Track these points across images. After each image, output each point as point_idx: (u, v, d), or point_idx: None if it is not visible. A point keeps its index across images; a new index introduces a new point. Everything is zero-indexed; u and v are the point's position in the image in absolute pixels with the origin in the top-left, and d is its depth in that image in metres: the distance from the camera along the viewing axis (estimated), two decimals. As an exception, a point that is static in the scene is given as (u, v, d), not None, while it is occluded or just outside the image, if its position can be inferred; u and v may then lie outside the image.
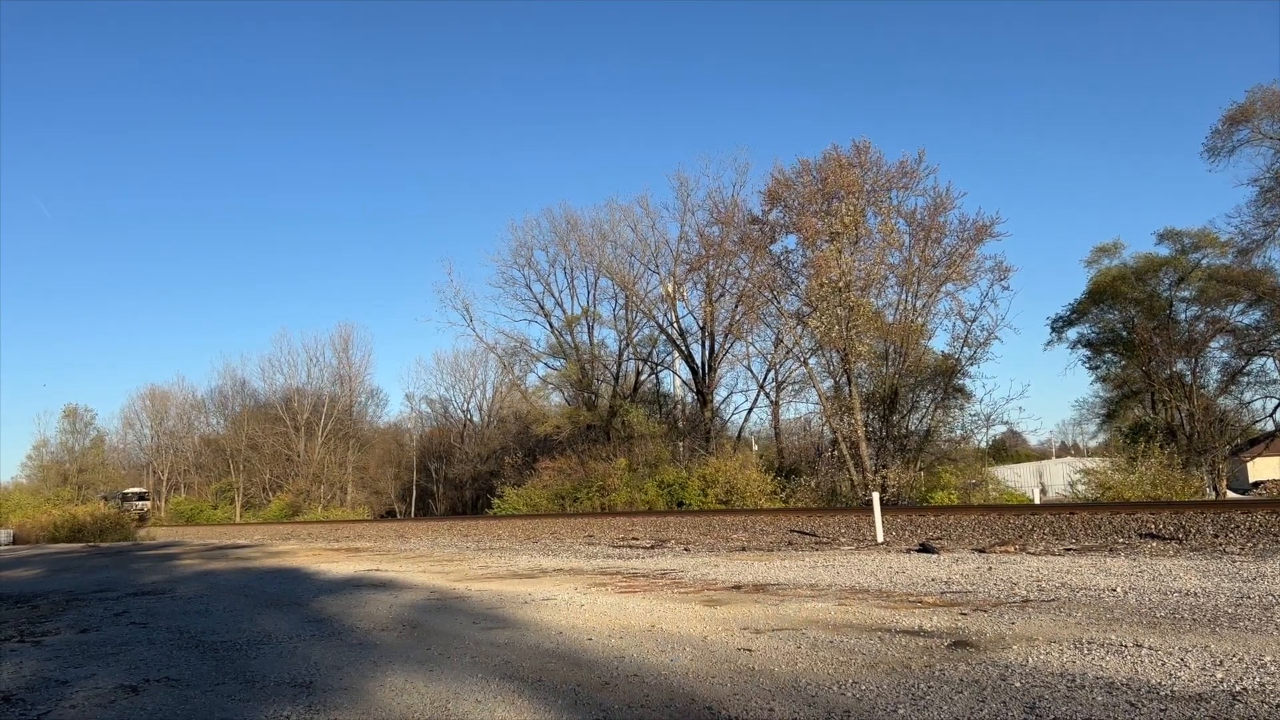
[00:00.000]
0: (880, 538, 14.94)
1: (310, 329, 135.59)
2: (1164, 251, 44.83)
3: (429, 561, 14.92)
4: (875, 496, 16.44)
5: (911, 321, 34.49)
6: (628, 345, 49.32)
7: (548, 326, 51.62)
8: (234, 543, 27.03)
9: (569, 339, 50.78)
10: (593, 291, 50.18)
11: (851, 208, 33.62)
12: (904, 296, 35.25)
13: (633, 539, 18.32)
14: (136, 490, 71.15)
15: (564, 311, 51.01)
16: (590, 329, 50.90)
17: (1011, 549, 12.18)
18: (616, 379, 49.35)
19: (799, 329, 36.50)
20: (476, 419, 67.90)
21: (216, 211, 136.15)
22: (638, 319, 47.78)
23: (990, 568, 9.84)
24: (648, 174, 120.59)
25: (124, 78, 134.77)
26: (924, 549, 12.76)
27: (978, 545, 12.95)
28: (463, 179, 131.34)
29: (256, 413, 78.80)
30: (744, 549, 14.91)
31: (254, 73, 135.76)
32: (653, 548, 16.05)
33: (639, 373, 49.32)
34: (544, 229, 50.42)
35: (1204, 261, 43.06)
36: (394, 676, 5.34)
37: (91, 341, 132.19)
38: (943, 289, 34.97)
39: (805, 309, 34.95)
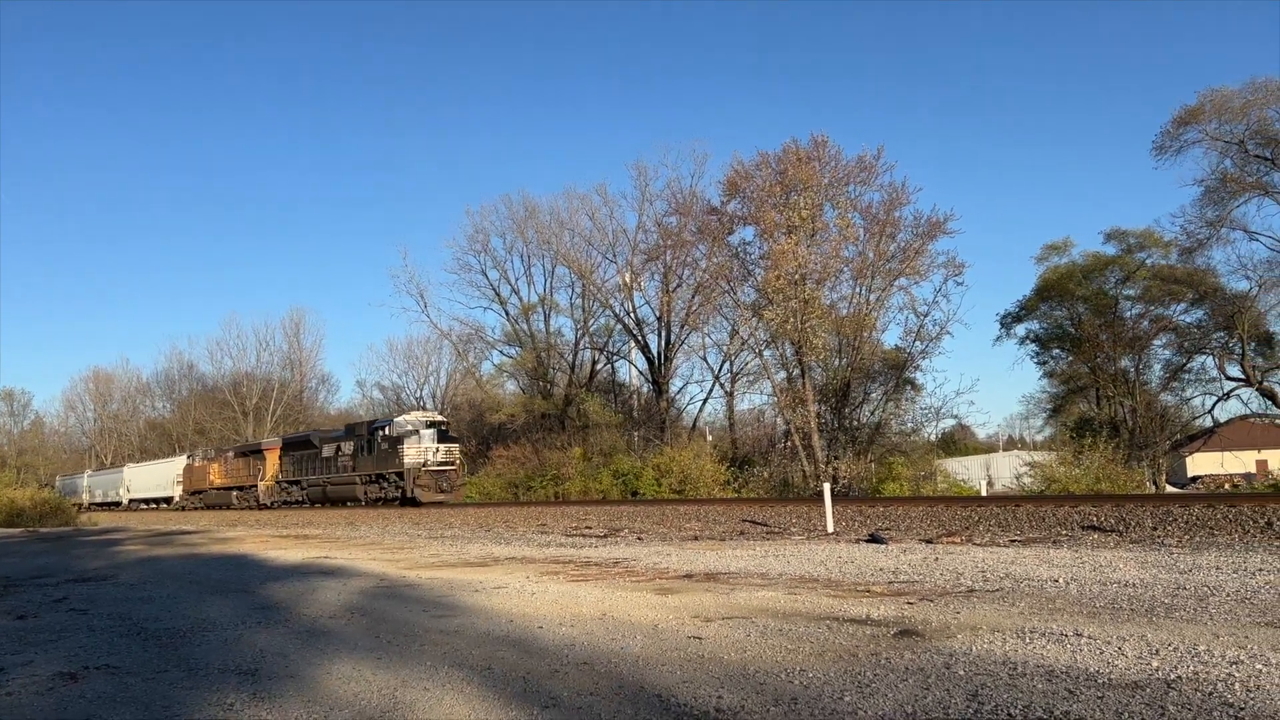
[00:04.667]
0: (831, 528, 15.11)
1: (261, 313, 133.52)
2: (1111, 250, 45.85)
3: (379, 549, 14.80)
4: (826, 487, 16.63)
5: (865, 315, 34.86)
6: (584, 334, 49.28)
7: (504, 314, 51.38)
8: (180, 529, 26.56)
9: (525, 327, 50.59)
10: (550, 279, 50.03)
11: (809, 201, 33.86)
12: (858, 290, 35.65)
13: (586, 528, 18.33)
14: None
15: (520, 299, 50.80)
16: (547, 317, 50.77)
17: (958, 540, 12.39)
18: (573, 368, 49.28)
19: (754, 321, 36.72)
20: (430, 407, 67.36)
21: (164, 192, 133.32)
22: (595, 308, 47.76)
23: (937, 558, 9.99)
24: (606, 163, 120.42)
25: (67, 56, 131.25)
26: (873, 539, 12.93)
27: (925, 536, 13.15)
28: (419, 164, 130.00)
29: (204, 397, 77.45)
30: (697, 538, 14.99)
31: (205, 52, 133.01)
32: (606, 537, 16.07)
33: (595, 362, 49.30)
34: (501, 215, 50.14)
35: (1149, 260, 44.11)
36: (341, 664, 5.29)
37: (29, 323, 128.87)
38: (896, 283, 35.43)
39: (761, 301, 35.16)
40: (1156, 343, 43.69)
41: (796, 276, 32.84)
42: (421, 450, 33.91)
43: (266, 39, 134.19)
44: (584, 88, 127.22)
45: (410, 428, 34.78)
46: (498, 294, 50.63)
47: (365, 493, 35.73)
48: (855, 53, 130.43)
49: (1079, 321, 45.71)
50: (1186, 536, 11.54)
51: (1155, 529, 12.30)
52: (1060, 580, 7.72)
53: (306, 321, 79.58)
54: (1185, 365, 42.92)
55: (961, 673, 4.47)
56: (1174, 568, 8.39)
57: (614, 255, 45.48)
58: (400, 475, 33.81)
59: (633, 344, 45.59)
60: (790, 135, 53.19)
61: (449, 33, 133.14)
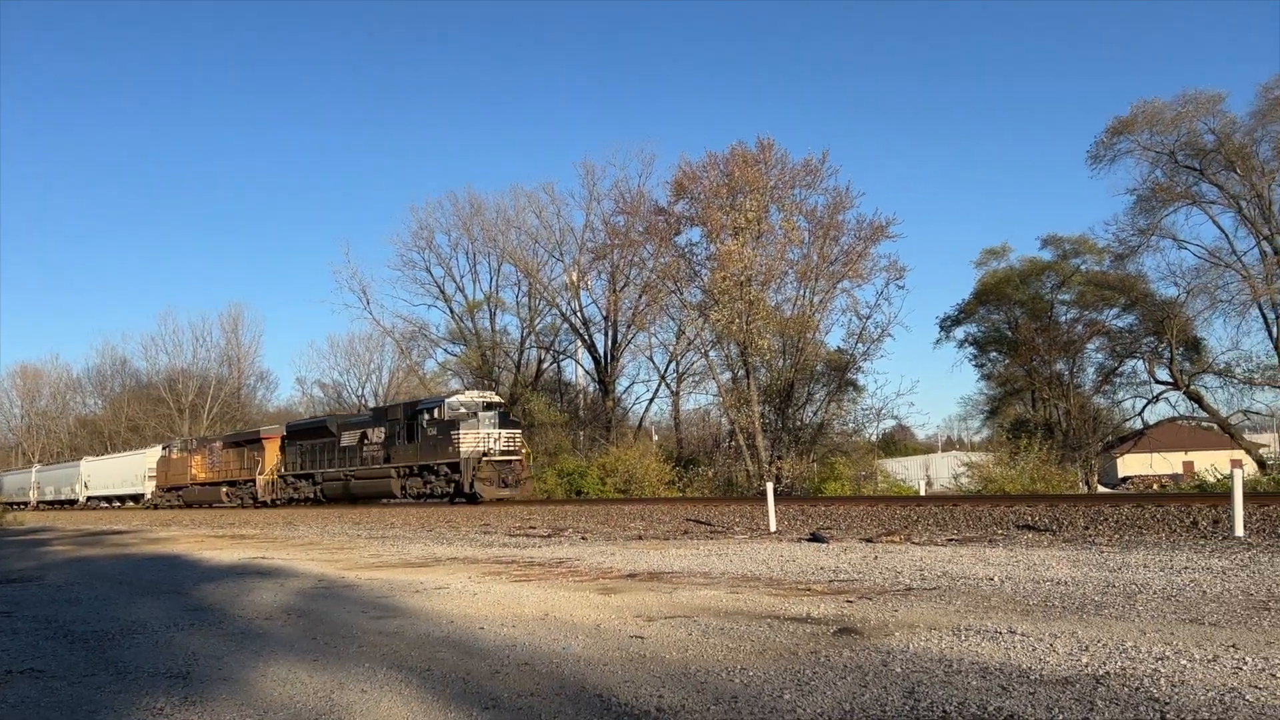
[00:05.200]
0: (773, 527, 15.23)
1: (198, 308, 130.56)
2: (1047, 256, 46.95)
3: (318, 549, 14.56)
4: (769, 487, 16.74)
5: (809, 317, 35.24)
6: (530, 333, 49.05)
7: (448, 312, 50.93)
8: (111, 528, 25.84)
9: (470, 325, 50.22)
10: (495, 277, 49.70)
11: (755, 203, 34.13)
12: (802, 292, 36.03)
13: (530, 528, 18.25)
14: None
15: (465, 297, 50.41)
16: (492, 315, 50.45)
17: (897, 539, 12.57)
18: (518, 367, 49.02)
19: (701, 321, 36.91)
20: (372, 405, 66.49)
21: (96, 184, 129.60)
22: (541, 306, 47.56)
23: (877, 557, 10.13)
24: (554, 162, 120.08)
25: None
26: (814, 538, 13.06)
27: (865, 535, 13.32)
28: (363, 160, 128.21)
29: (138, 393, 75.53)
30: (641, 538, 15.01)
31: (142, 40, 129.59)
32: (550, 536, 16.01)
33: (541, 361, 49.10)
34: (446, 212, 49.68)
35: (1083, 266, 45.25)
36: (277, 666, 5.18)
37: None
38: (839, 286, 35.89)
39: (708, 302, 35.34)
40: (1090, 347, 44.86)
41: (742, 278, 33.07)
42: (481, 437, 28.05)
43: (206, 28, 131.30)
44: (532, 86, 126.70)
45: (466, 409, 28.86)
46: (442, 291, 50.19)
47: (404, 488, 30.13)
48: (801, 59, 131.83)
49: (1016, 325, 46.73)
50: (1116, 535, 11.85)
51: (1087, 528, 12.61)
52: (996, 579, 7.87)
53: (245, 317, 78.13)
54: (1117, 369, 44.12)
55: (899, 670, 4.54)
56: (1104, 566, 8.61)
57: (561, 254, 45.39)
58: (454, 467, 28.00)
59: (579, 343, 45.54)
60: (737, 138, 53.59)
61: (395, 27, 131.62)
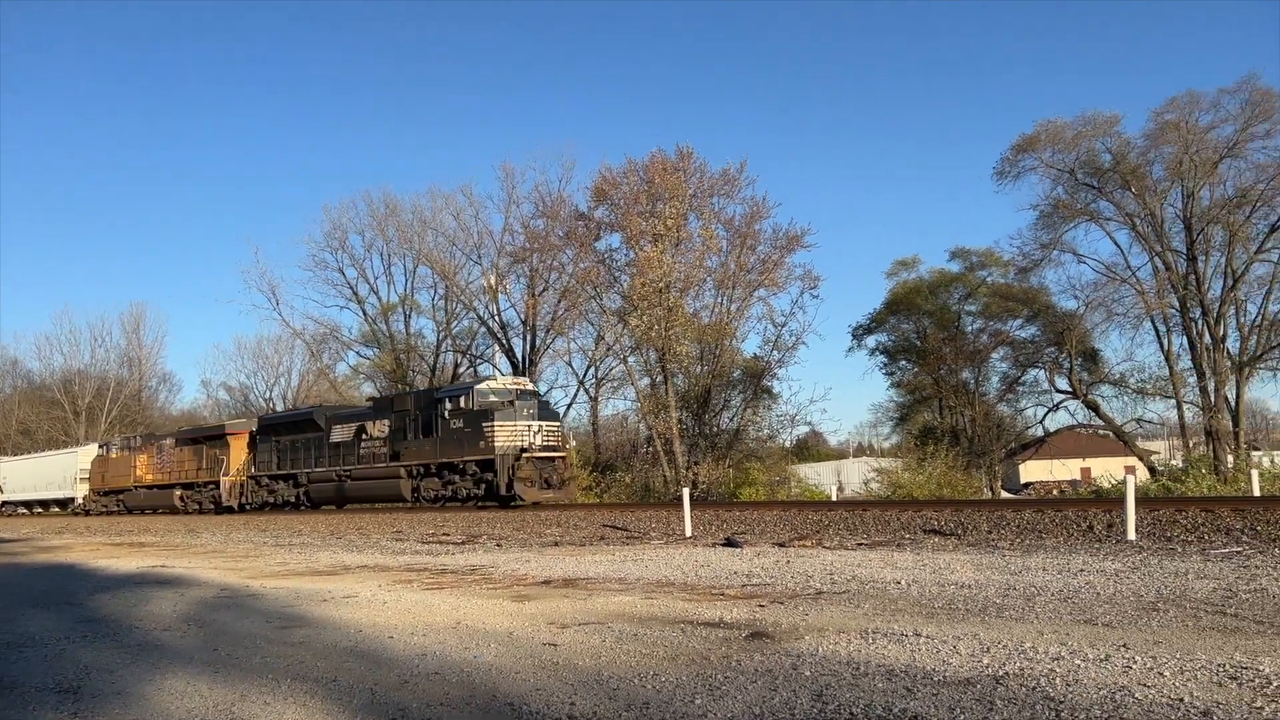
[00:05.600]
0: (689, 532, 15.32)
1: (97, 308, 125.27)
2: (955, 268, 48.40)
3: (222, 558, 14.10)
4: (685, 492, 16.87)
5: (726, 324, 35.64)
6: (446, 336, 48.46)
7: (361, 314, 49.99)
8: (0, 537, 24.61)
9: (384, 328, 49.38)
10: (411, 280, 48.99)
11: (675, 211, 34.39)
12: (720, 300, 36.42)
13: (444, 534, 17.99)
14: None
15: (380, 299, 49.56)
16: (407, 318, 49.70)
17: (809, 543, 12.78)
18: (433, 370, 48.35)
19: (620, 327, 36.98)
20: (280, 408, 64.82)
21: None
22: (458, 310, 47.03)
23: (789, 561, 10.28)
24: (473, 164, 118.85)
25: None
26: (729, 543, 13.19)
27: (779, 540, 13.51)
28: (274, 158, 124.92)
29: (30, 395, 72.19)
30: (557, 544, 14.94)
31: (40, 33, 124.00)
32: (464, 543, 15.82)
33: (458, 365, 48.52)
34: (361, 212, 48.77)
35: (989, 279, 46.78)
36: (174, 679, 5.00)
37: None
38: (756, 294, 36.39)
39: (627, 307, 35.45)
40: (994, 356, 46.41)
41: (661, 284, 33.27)
42: (520, 430, 23.80)
43: (108, 22, 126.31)
44: (450, 87, 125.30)
45: (500, 397, 24.70)
46: (355, 293, 49.25)
47: (417, 490, 25.81)
48: (721, 70, 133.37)
49: (925, 334, 48.06)
50: (1018, 539, 12.25)
51: (990, 532, 13.01)
52: (902, 582, 8.06)
53: (147, 317, 75.33)
54: (1020, 378, 45.70)
55: (808, 673, 4.60)
56: (1006, 569, 8.89)
57: (479, 257, 44.93)
58: (485, 465, 23.82)
59: (497, 347, 45.12)
60: (658, 145, 53.90)
61: (308, 21, 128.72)
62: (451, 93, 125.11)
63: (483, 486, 24.00)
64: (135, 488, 38.55)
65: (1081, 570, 8.55)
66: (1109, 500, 16.50)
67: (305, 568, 11.74)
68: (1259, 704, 3.77)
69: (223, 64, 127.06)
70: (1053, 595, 6.98)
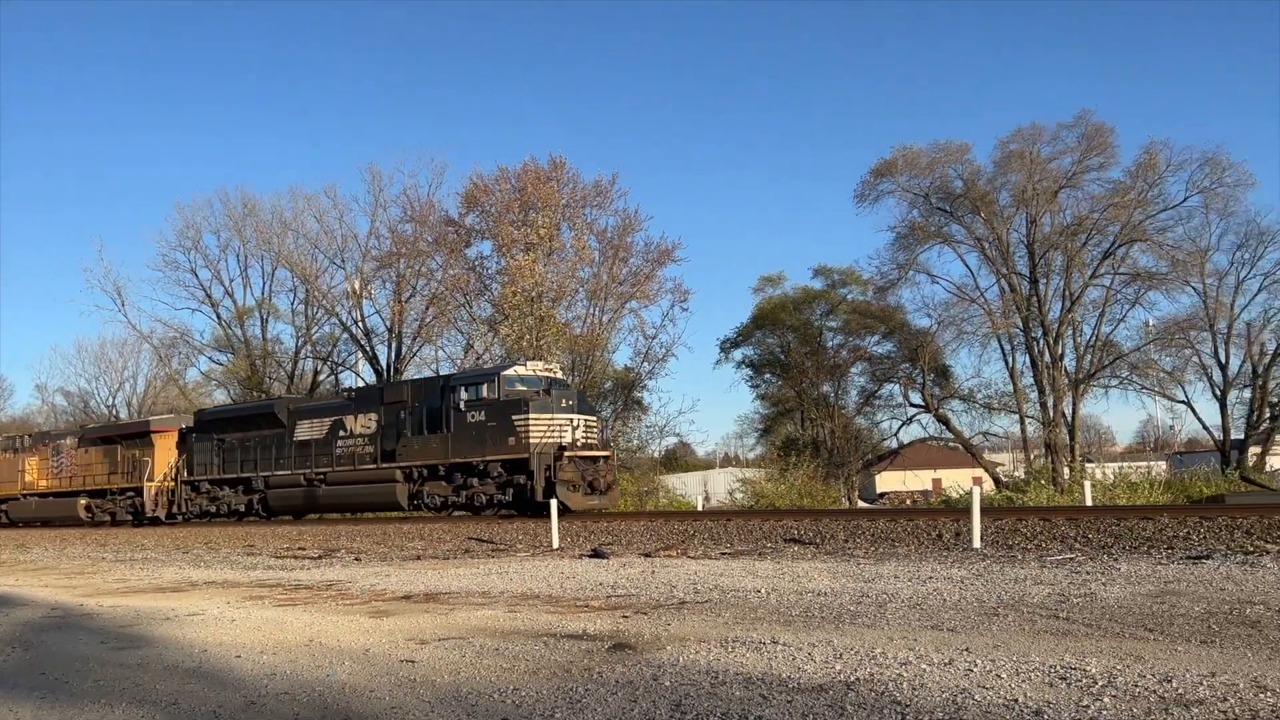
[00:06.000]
0: (556, 544, 15.26)
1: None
2: (818, 285, 49.98)
3: (54, 574, 13.18)
4: (553, 503, 16.78)
5: (598, 335, 35.77)
6: (306, 342, 46.78)
7: (215, 317, 47.77)
8: None
9: (239, 332, 47.33)
10: (269, 283, 47.12)
11: (548, 220, 34.32)
12: (592, 310, 36.53)
13: (300, 549, 17.34)
14: None
15: (235, 302, 47.47)
16: (264, 323, 47.77)
17: (675, 553, 12.92)
18: (291, 378, 46.59)
19: (490, 335, 36.58)
20: (124, 415, 61.22)
21: None
22: (319, 315, 45.47)
23: (654, 571, 10.36)
24: (337, 165, 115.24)
25: None
26: (595, 554, 13.20)
27: (645, 550, 13.60)
28: (123, 149, 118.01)
29: None
30: (419, 558, 14.61)
31: None
32: (321, 558, 15.28)
33: (318, 372, 46.90)
34: (217, 211, 46.54)
35: (850, 296, 48.50)
36: (-8, 709, 4.63)
37: None
38: (628, 306, 36.67)
39: (498, 316, 35.12)
40: (854, 371, 48.12)
41: (533, 294, 33.11)
42: (556, 424, 20.10)
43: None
44: (315, 84, 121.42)
45: (527, 386, 21.04)
46: (209, 295, 47.02)
47: (419, 496, 21.83)
48: (594, 84, 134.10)
49: (788, 349, 49.42)
50: (873, 548, 12.72)
51: (847, 541, 13.46)
52: (763, 591, 8.24)
53: (-24, 316, 69.86)
54: (876, 392, 47.53)
55: (668, 684, 4.64)
56: (860, 577, 9.21)
57: (343, 261, 43.56)
58: (515, 466, 20.11)
59: (360, 354, 43.86)
60: (529, 154, 53.72)
61: (162, 16, 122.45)
62: (315, 89, 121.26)
63: (509, 491, 20.31)
64: (24, 496, 32.46)
65: (930, 578, 8.93)
66: (957, 510, 17.31)
67: (148, 584, 11.10)
68: (1085, 703, 4.02)
69: (70, 46, 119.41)
70: (903, 602, 7.26)
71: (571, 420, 20.29)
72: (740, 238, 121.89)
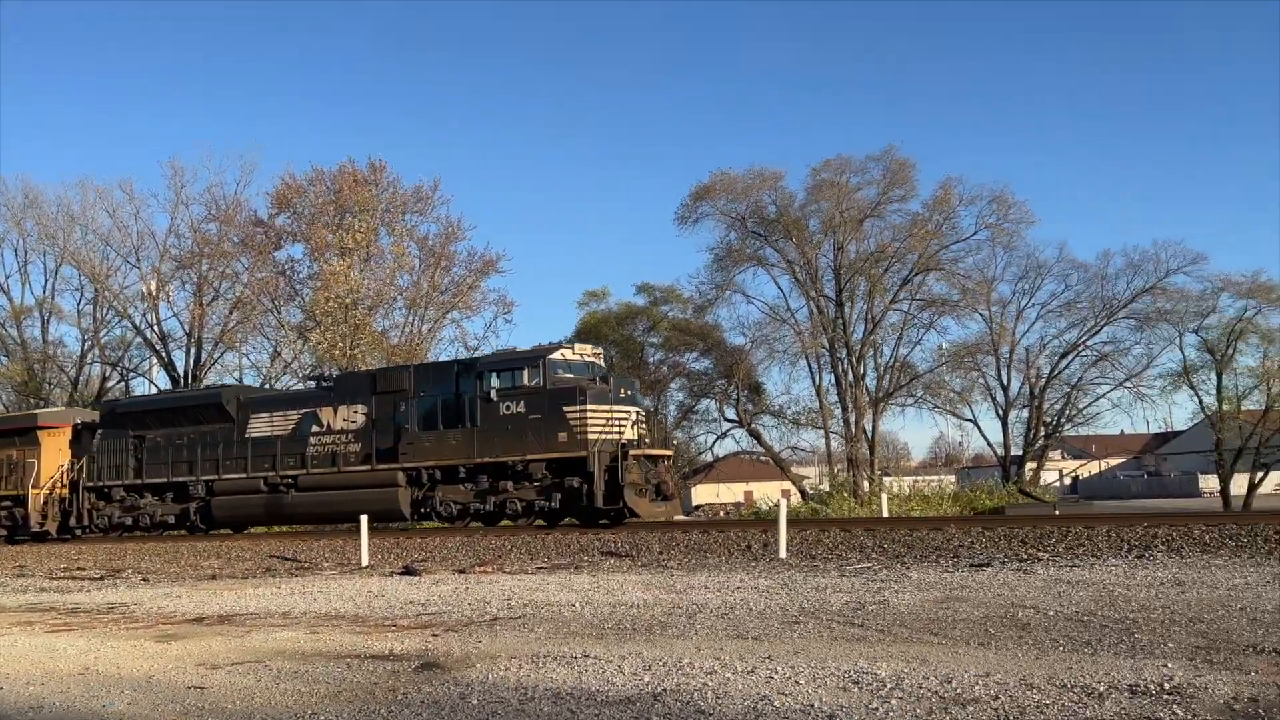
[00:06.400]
0: (365, 561, 14.73)
1: None
2: (641, 301, 50.85)
3: None
4: (364, 519, 16.15)
5: (417, 344, 34.90)
6: (94, 346, 43.20)
7: (-13, 317, 43.37)
8: None
9: (14, 333, 43.16)
10: (53, 281, 43.24)
11: (365, 225, 33.23)
12: (411, 319, 35.63)
13: (79, 569, 15.96)
14: None
15: (11, 301, 43.32)
16: (45, 323, 43.81)
17: (490, 569, 12.75)
18: (75, 384, 42.86)
19: (300, 343, 35.00)
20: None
21: None
22: (109, 317, 42.07)
23: (468, 588, 10.18)
24: (137, 159, 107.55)
25: None
26: (407, 571, 12.83)
27: (460, 566, 13.35)
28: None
29: None
30: (215, 577, 13.75)
31: None
32: (103, 579, 14.12)
33: (106, 378, 43.39)
34: (-8, 200, 42.32)
35: (670, 314, 49.59)
36: None
37: None
38: (449, 316, 36.00)
39: (309, 322, 33.65)
40: (673, 386, 49.18)
41: (348, 300, 31.93)
42: (615, 418, 17.36)
43: None
44: (110, 74, 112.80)
45: (575, 373, 18.18)
46: (-18, 292, 42.71)
47: (428, 502, 18.68)
48: (415, 91, 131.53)
49: (611, 363, 49.97)
50: (685, 559, 13.00)
51: (661, 553, 13.70)
52: (577, 605, 8.25)
53: None
54: (694, 407, 48.78)
55: (475, 703, 4.56)
56: (673, 588, 9.39)
57: (138, 260, 40.51)
58: (569, 465, 17.25)
59: (155, 360, 40.90)
60: (347, 155, 51.97)
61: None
62: (113, 79, 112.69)
63: (556, 497, 17.41)
64: None
65: (739, 588, 9.21)
66: (766, 521, 17.97)
67: (-109, 613, 9.90)
68: (874, 705, 4.24)
69: None
70: (712, 612, 7.45)
71: (629, 414, 17.71)
72: (566, 253, 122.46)
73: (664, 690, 4.64)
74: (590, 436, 16.88)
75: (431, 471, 18.50)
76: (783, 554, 12.50)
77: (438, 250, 35.45)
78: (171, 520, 21.87)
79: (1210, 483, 48.93)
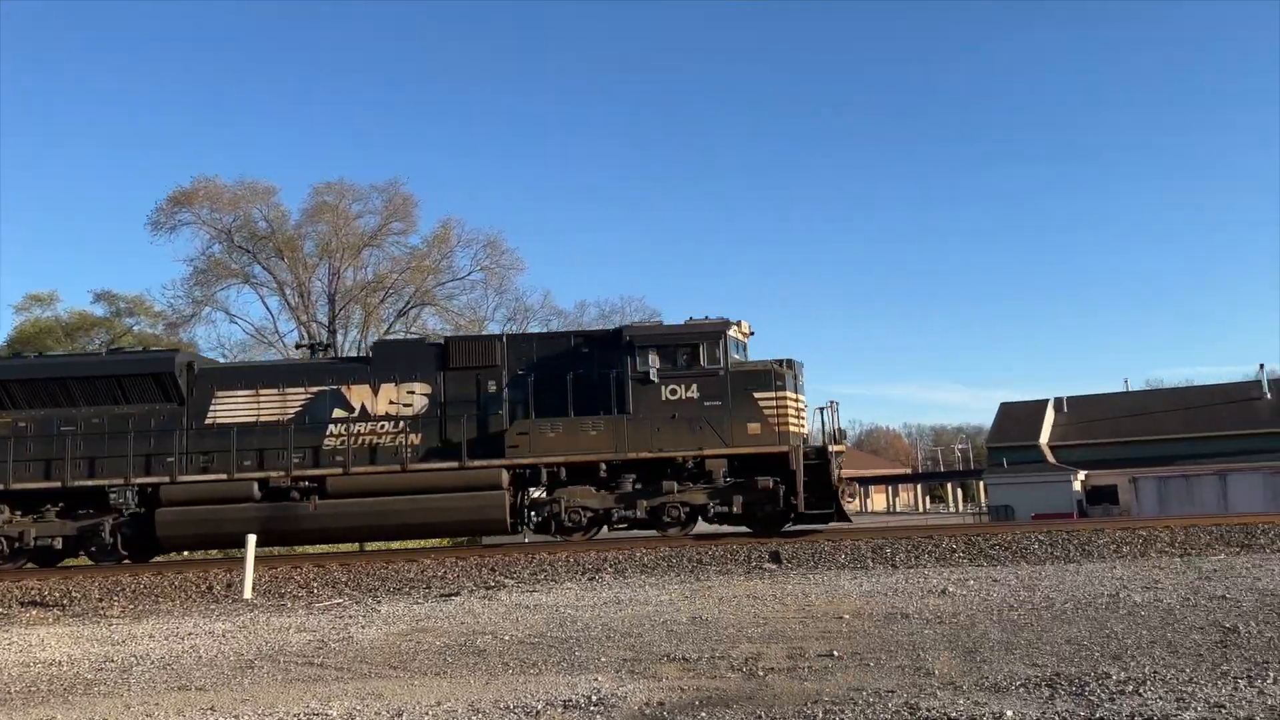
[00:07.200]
0: None
1: None
2: (100, 311, 44.78)
3: None
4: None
5: None
6: None
7: None
8: None
9: None
10: None
11: None
12: None
13: None
14: None
15: None
16: None
17: None
18: None
19: None
20: None
21: None
22: None
23: None
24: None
25: None
26: None
27: None
28: None
29: None
30: None
31: None
32: None
33: None
34: None
35: (136, 327, 44.35)
36: None
37: None
38: None
39: None
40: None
41: None
42: (802, 408, 14.91)
43: None
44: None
45: (737, 351, 14.95)
46: None
47: (554, 508, 14.55)
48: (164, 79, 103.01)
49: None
50: (131, 605, 11.59)
51: (102, 600, 12.06)
52: None
53: None
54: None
55: None
56: (109, 640, 8.30)
57: None
58: (760, 463, 14.20)
59: None
60: None
61: None
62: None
63: (737, 501, 14.39)
64: None
65: (190, 634, 8.45)
66: (235, 559, 16.69)
67: None
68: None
69: None
70: (153, 663, 6.73)
71: (813, 407, 15.49)
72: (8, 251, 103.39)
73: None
74: (790, 429, 14.58)
75: (555, 470, 14.75)
76: (248, 594, 11.75)
77: None
78: (73, 535, 15.02)
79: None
